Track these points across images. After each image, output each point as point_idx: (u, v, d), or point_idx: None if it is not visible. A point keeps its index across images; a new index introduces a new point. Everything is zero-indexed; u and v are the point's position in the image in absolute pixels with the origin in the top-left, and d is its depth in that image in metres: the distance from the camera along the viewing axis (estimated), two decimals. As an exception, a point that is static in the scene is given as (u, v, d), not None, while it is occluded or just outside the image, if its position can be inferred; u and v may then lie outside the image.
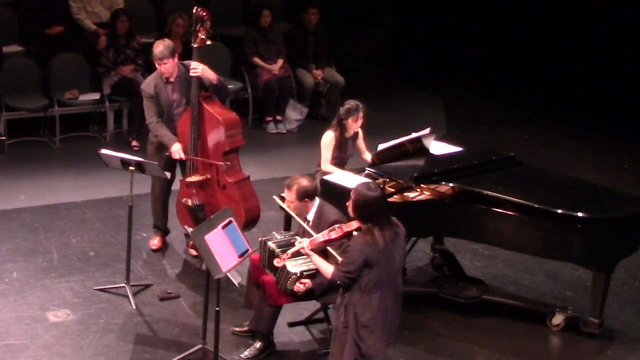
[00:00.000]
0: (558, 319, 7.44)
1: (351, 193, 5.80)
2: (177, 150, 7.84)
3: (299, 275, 6.55)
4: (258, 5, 11.64)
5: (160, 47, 7.84)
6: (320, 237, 5.98)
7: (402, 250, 5.97)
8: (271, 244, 6.65)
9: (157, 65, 7.90)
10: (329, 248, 6.11)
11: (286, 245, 6.54)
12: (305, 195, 6.62)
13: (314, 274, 6.53)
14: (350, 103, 7.94)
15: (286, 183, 6.67)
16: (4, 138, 10.40)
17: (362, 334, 5.80)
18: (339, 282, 5.85)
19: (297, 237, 6.48)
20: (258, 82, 11.40)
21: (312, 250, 5.97)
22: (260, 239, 6.81)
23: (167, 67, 7.86)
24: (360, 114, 7.91)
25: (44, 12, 11.03)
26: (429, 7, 13.67)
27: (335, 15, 12.60)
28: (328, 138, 7.96)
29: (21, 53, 11.01)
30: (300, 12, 11.89)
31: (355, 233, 5.83)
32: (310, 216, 6.65)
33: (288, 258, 6.19)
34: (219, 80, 7.91)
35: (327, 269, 5.87)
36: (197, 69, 7.75)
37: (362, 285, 5.75)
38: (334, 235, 5.93)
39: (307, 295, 6.71)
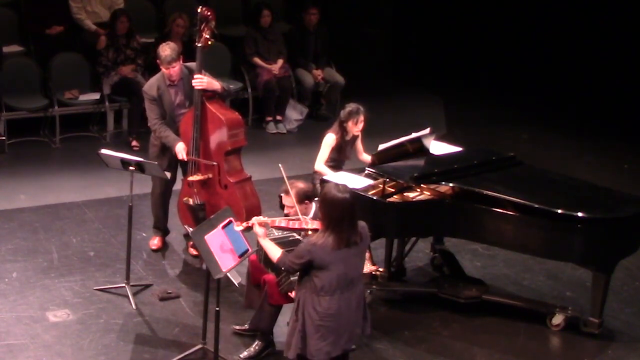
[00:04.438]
0: (558, 319, 7.44)
1: (322, 190, 5.87)
2: (180, 150, 7.83)
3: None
4: (258, 5, 11.64)
5: (167, 50, 7.82)
6: (283, 221, 6.18)
7: (361, 260, 5.91)
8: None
9: (164, 70, 7.88)
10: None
11: (283, 240, 6.58)
12: (305, 197, 6.66)
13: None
14: (351, 106, 7.93)
15: (283, 189, 6.66)
16: (4, 138, 10.40)
17: (308, 332, 5.83)
18: (283, 267, 5.97)
19: (294, 234, 6.50)
20: (258, 82, 11.40)
21: (271, 227, 6.17)
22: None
23: (176, 70, 7.86)
24: (361, 117, 7.89)
25: (44, 12, 11.03)
26: (429, 7, 13.69)
27: (335, 15, 12.61)
28: (329, 139, 7.96)
29: (21, 53, 11.01)
30: (300, 12, 11.90)
31: (310, 232, 5.94)
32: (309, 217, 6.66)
33: (247, 226, 6.18)
34: (223, 89, 7.90)
35: (275, 253, 5.94)
36: (203, 81, 7.74)
37: (314, 286, 5.77)
38: (292, 224, 6.13)
39: None
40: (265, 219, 6.15)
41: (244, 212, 7.77)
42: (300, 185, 6.63)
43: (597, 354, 7.26)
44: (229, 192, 7.87)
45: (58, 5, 11.15)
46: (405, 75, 13.43)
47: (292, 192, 6.51)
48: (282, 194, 6.74)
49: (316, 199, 6.71)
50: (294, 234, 6.57)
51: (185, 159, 7.87)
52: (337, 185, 5.88)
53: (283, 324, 7.14)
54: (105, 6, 11.39)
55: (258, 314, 6.86)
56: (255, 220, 6.12)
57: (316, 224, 5.95)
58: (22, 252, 8.24)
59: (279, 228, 6.26)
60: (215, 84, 7.83)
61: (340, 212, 5.69)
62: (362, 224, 5.85)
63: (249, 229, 6.23)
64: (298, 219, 6.20)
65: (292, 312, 5.95)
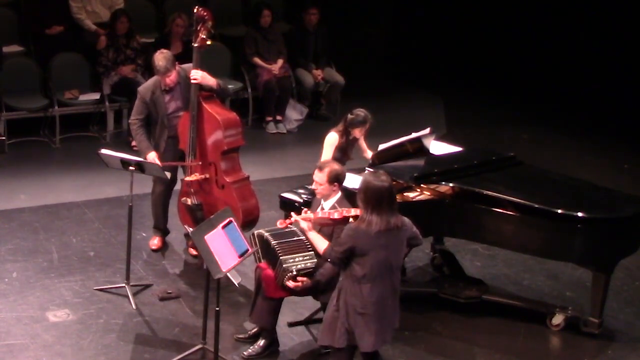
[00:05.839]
0: (558, 319, 7.44)
1: (362, 179, 5.96)
2: (152, 159, 7.84)
3: (294, 273, 6.57)
4: (258, 5, 11.64)
5: (162, 61, 7.82)
6: (324, 214, 6.28)
7: (401, 247, 5.99)
8: (266, 234, 6.72)
9: (160, 78, 7.90)
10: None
11: (281, 235, 6.61)
12: (336, 179, 6.61)
13: (311, 272, 6.57)
14: (360, 115, 7.82)
15: (318, 164, 6.71)
16: (4, 138, 10.40)
17: (351, 322, 5.90)
18: (329, 259, 6.08)
19: (292, 227, 6.54)
20: (258, 82, 11.40)
21: (316, 221, 6.28)
22: (251, 233, 6.89)
23: (172, 77, 7.88)
24: (367, 126, 7.86)
25: (44, 12, 11.03)
26: (429, 7, 13.69)
27: (335, 15, 12.61)
28: (332, 139, 7.90)
29: (21, 53, 11.01)
30: (300, 12, 11.90)
31: (351, 220, 6.00)
32: (327, 205, 6.62)
33: (293, 221, 6.36)
34: (218, 85, 7.91)
35: (322, 245, 6.10)
36: (197, 76, 7.75)
37: (354, 274, 5.85)
38: (334, 216, 6.21)
39: (306, 292, 6.72)
40: (309, 214, 6.26)
41: (241, 213, 7.76)
42: (335, 166, 6.64)
43: (597, 354, 7.27)
44: (225, 192, 7.86)
45: (58, 5, 11.15)
46: (405, 75, 13.43)
47: (325, 170, 6.56)
48: (316, 170, 6.72)
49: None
50: (292, 227, 6.63)
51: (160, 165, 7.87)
52: (375, 173, 6.00)
53: (283, 324, 7.15)
54: (105, 6, 11.39)
55: (258, 311, 6.84)
56: (298, 217, 6.25)
57: (355, 211, 6.01)
58: (22, 252, 8.24)
59: (324, 221, 6.31)
60: (210, 79, 7.83)
61: (379, 196, 5.80)
62: (403, 217, 5.98)
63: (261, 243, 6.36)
64: (336, 211, 6.26)
65: (331, 301, 6.01)
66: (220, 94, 8.03)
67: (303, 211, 6.36)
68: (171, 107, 7.99)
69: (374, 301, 5.87)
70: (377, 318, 5.90)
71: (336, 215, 6.20)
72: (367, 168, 7.69)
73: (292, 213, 6.45)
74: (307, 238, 6.42)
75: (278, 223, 6.47)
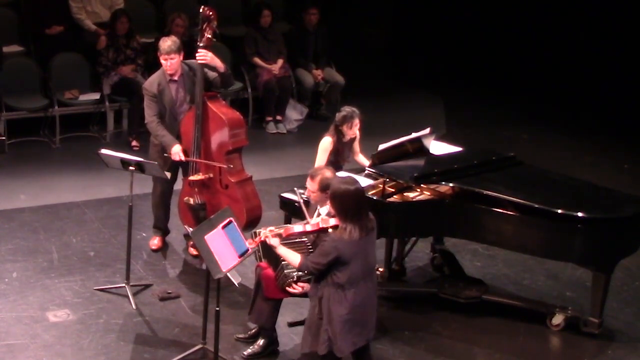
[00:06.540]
0: (558, 319, 7.44)
1: (331, 187, 5.92)
2: (177, 152, 7.84)
3: (295, 279, 6.58)
4: (258, 5, 11.65)
5: (168, 42, 7.87)
6: (297, 227, 6.18)
7: (374, 246, 6.02)
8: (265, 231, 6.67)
9: (162, 61, 7.89)
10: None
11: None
12: (328, 187, 6.51)
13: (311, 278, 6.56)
14: (346, 110, 7.87)
15: (310, 172, 6.63)
16: (4, 138, 10.40)
17: (335, 329, 5.90)
18: (306, 271, 6.05)
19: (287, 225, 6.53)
20: (258, 82, 11.40)
21: (286, 237, 6.17)
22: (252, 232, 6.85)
23: (173, 62, 7.86)
24: (356, 120, 7.84)
25: (44, 12, 11.03)
26: (429, 7, 13.70)
27: (335, 15, 12.62)
28: (326, 143, 7.89)
29: (21, 53, 11.01)
30: (300, 12, 11.91)
31: (330, 231, 5.95)
32: (324, 211, 6.61)
33: (260, 241, 6.26)
34: (226, 69, 7.91)
35: (294, 259, 6.04)
36: (207, 56, 7.76)
37: (338, 281, 5.84)
38: (309, 228, 6.11)
39: (305, 294, 6.72)
40: (279, 230, 6.19)
41: (245, 212, 7.77)
42: (327, 174, 6.51)
43: (597, 354, 7.26)
44: (229, 192, 7.87)
45: (58, 5, 11.15)
46: (405, 75, 13.44)
47: (317, 179, 6.47)
48: (308, 178, 6.67)
49: None
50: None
51: (183, 160, 7.87)
52: (342, 179, 5.99)
53: (283, 324, 7.15)
54: (105, 6, 11.40)
55: (258, 310, 6.84)
56: (268, 233, 6.17)
57: (333, 221, 5.95)
58: (22, 252, 8.24)
59: (295, 235, 6.21)
60: (218, 62, 7.84)
61: (356, 203, 5.79)
62: (371, 214, 5.97)
63: (263, 242, 6.27)
64: (311, 223, 6.17)
65: (314, 310, 6.01)
66: (226, 79, 7.98)
67: (269, 230, 6.24)
68: (178, 96, 7.98)
69: (357, 305, 5.88)
70: (359, 320, 5.92)
71: (309, 228, 6.09)
72: (367, 168, 7.70)
73: (262, 230, 6.28)
74: (278, 254, 6.28)
75: (247, 243, 6.31)
